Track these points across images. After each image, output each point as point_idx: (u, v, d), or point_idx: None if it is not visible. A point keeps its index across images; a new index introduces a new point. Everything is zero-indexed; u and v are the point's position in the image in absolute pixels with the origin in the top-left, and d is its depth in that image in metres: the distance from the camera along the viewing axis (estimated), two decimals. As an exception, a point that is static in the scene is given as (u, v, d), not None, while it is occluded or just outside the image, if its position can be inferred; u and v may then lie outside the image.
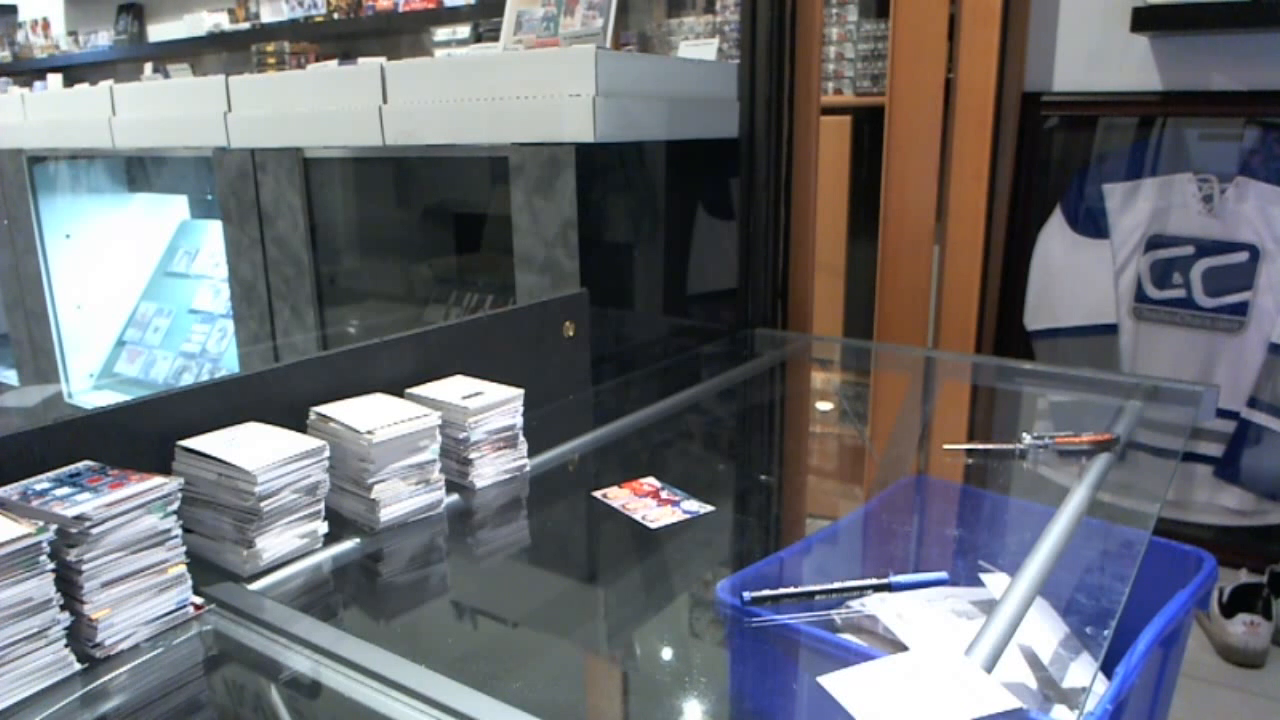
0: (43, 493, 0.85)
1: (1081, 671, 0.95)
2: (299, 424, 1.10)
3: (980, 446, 1.39)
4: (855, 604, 0.95)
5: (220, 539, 0.98)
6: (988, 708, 0.69)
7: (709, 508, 1.17)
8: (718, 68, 1.96)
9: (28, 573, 0.77)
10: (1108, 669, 0.98)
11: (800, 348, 2.02)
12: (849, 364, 2.06)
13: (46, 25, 5.94)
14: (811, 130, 2.03)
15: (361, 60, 2.24)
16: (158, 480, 0.87)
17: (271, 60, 4.08)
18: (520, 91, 1.67)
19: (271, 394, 1.11)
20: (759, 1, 1.91)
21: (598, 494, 1.20)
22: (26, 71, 5.87)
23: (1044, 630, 0.98)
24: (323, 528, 1.03)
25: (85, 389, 3.00)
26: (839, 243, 2.81)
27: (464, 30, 3.99)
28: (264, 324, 2.28)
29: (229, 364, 2.80)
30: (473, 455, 1.19)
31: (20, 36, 6.02)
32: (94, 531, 0.81)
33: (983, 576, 1.02)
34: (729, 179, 2.01)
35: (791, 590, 0.93)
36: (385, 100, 1.87)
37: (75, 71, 5.60)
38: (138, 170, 2.93)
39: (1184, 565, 1.24)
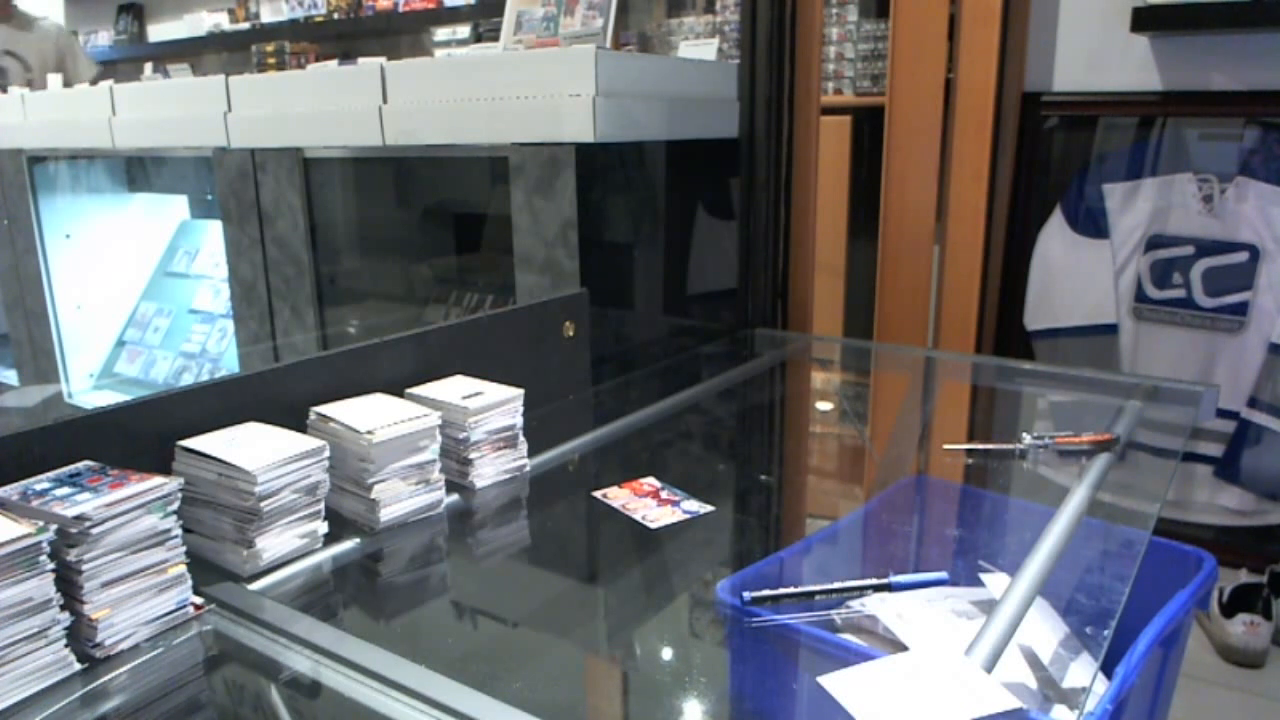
0: (43, 493, 0.85)
1: (1081, 671, 0.95)
2: (299, 424, 1.10)
3: (980, 446, 1.39)
4: (855, 604, 0.95)
5: (220, 539, 0.98)
6: (988, 708, 0.69)
7: (709, 508, 1.17)
8: (718, 68, 1.96)
9: (28, 573, 0.77)
10: (1108, 669, 0.98)
11: (800, 348, 2.02)
12: (849, 364, 2.06)
13: (46, 25, 5.93)
14: (811, 130, 2.03)
15: (361, 60, 2.24)
16: (158, 480, 0.87)
17: (271, 60, 4.08)
18: (520, 91, 1.67)
19: (271, 394, 1.11)
20: (759, 1, 1.90)
21: (598, 494, 1.20)
22: (26, 71, 5.86)
23: (1044, 630, 0.98)
24: (323, 528, 1.03)
25: (85, 389, 3.00)
26: (839, 243, 2.81)
27: (464, 30, 4.00)
28: (264, 324, 2.27)
29: (229, 364, 2.79)
30: (473, 455, 1.19)
31: (20, 36, 6.00)
32: (94, 531, 0.81)
33: (983, 576, 1.02)
34: (729, 179, 2.01)
35: (791, 590, 0.93)
36: (385, 100, 1.87)
37: (75, 71, 5.59)
38: (138, 170, 2.93)
39: (1184, 565, 1.24)
